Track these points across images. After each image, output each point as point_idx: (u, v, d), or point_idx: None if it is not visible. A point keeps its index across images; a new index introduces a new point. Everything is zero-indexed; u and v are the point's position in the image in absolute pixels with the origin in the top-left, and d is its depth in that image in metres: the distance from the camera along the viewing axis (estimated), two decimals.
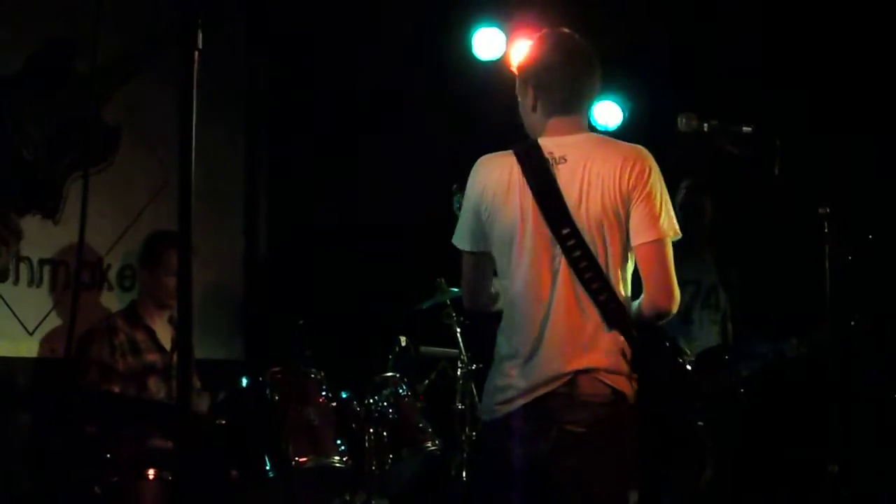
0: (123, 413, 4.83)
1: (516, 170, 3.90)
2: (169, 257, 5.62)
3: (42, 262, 6.16)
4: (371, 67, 7.23)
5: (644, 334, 3.87)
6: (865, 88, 6.53)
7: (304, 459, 4.76)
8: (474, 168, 4.04)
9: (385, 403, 5.13)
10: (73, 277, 6.11)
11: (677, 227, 3.87)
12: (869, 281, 5.66)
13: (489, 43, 7.03)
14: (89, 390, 5.36)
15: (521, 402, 3.85)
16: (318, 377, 5.08)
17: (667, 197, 3.87)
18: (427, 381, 5.82)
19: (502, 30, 7.01)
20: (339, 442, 4.92)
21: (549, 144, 3.92)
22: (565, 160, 3.87)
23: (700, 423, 4.10)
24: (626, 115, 7.10)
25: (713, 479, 6.09)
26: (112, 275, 6.48)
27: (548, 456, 3.80)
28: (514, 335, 3.96)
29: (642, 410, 3.85)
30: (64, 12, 6.18)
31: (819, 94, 6.60)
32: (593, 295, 3.81)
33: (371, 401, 5.11)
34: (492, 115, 6.24)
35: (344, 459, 4.87)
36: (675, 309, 3.86)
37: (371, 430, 5.03)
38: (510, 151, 3.96)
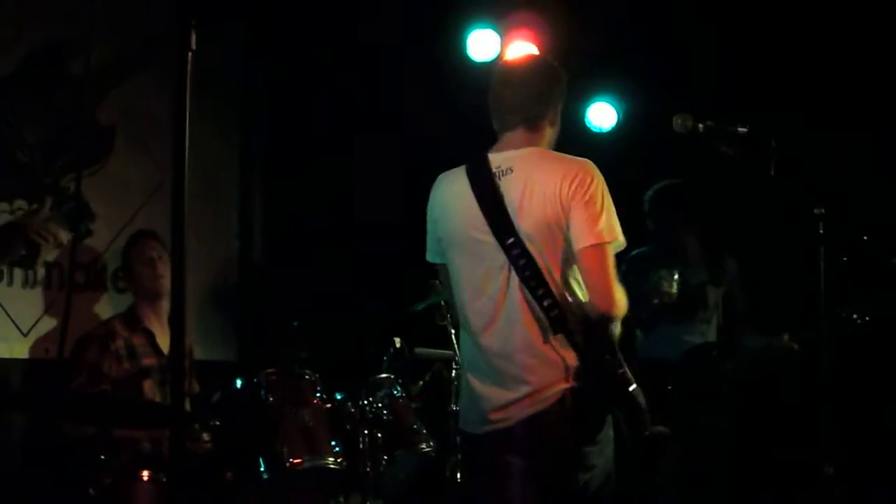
0: (117, 414, 4.81)
1: (465, 182, 4.13)
2: (140, 249, 5.69)
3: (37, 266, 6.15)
4: (366, 69, 7.23)
5: (589, 341, 3.99)
6: (860, 88, 6.54)
7: (298, 461, 4.75)
8: (434, 185, 4.30)
9: (379, 405, 5.12)
10: (66, 279, 6.11)
11: (620, 235, 4.01)
12: (864, 282, 5.67)
13: (484, 44, 7.04)
14: (81, 392, 5.36)
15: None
16: (313, 378, 5.07)
17: (609, 205, 4.00)
18: (421, 383, 5.82)
19: (497, 31, 7.01)
20: (333, 443, 4.91)
21: (498, 158, 4.12)
22: (511, 171, 4.06)
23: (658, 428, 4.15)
24: (621, 116, 7.11)
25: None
26: (107, 276, 6.47)
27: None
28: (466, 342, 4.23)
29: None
30: (59, 14, 6.17)
31: (814, 94, 6.61)
32: (538, 301, 3.96)
33: (365, 402, 5.10)
34: (487, 116, 6.22)
35: (338, 461, 4.87)
36: (616, 312, 3.99)
37: (365, 432, 5.02)
38: (464, 166, 4.18)
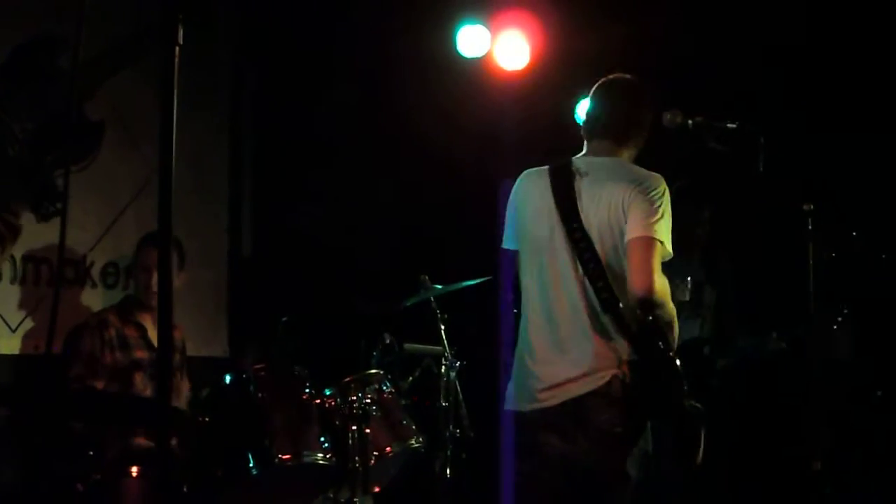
0: (106, 409, 4.80)
1: (547, 180, 4.46)
2: (144, 254, 5.68)
3: (25, 259, 6.13)
4: (356, 65, 7.23)
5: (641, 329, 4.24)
6: (849, 86, 6.54)
7: (287, 457, 4.74)
8: (518, 179, 4.62)
9: (369, 400, 5.11)
10: (55, 274, 6.10)
11: (670, 245, 4.26)
12: (852, 277, 5.68)
13: (474, 40, 7.03)
14: (73, 385, 5.36)
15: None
16: (302, 374, 5.06)
17: (668, 215, 4.26)
18: (411, 379, 5.83)
19: (487, 27, 7.01)
20: (322, 439, 4.90)
21: (579, 162, 4.47)
22: (588, 174, 4.39)
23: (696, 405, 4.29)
24: None
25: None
26: (95, 271, 6.46)
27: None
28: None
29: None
30: (47, 8, 6.15)
31: (803, 91, 6.61)
32: (597, 291, 4.27)
33: (355, 398, 5.10)
34: (477, 112, 6.24)
35: (328, 457, 4.86)
36: (653, 296, 4.18)
37: (355, 428, 5.01)
38: (548, 166, 4.52)
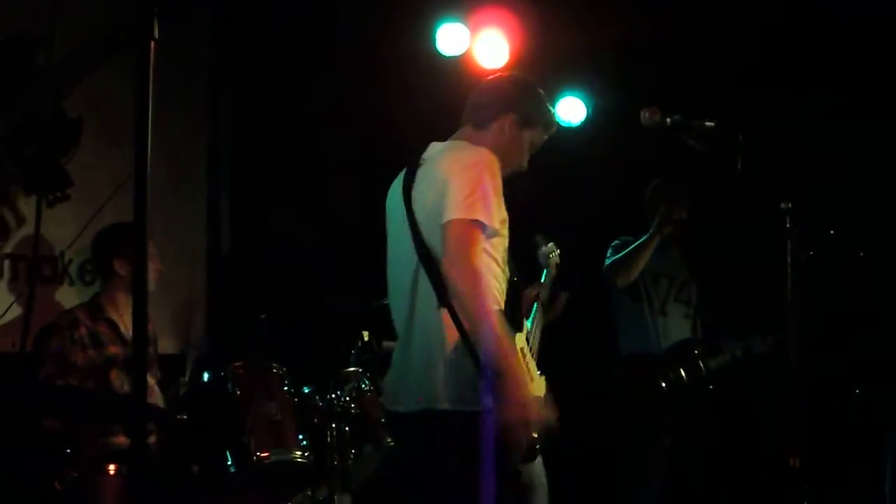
0: (82, 406, 4.79)
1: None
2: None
3: (2, 256, 6.11)
4: (335, 64, 7.22)
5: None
6: (826, 83, 6.57)
7: (265, 454, 4.74)
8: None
9: (347, 398, 5.11)
10: (29, 271, 6.07)
11: (490, 219, 3.91)
12: (830, 276, 5.70)
13: (453, 39, 7.04)
14: (46, 384, 5.32)
15: None
16: (280, 372, 5.06)
17: (487, 190, 3.92)
18: None
19: (466, 26, 7.01)
20: (300, 437, 4.91)
21: (427, 151, 4.25)
22: (425, 162, 4.17)
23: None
24: (590, 110, 7.12)
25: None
26: (73, 269, 6.44)
27: None
28: None
29: None
30: (24, 6, 6.14)
31: (781, 89, 6.63)
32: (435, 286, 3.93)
33: (333, 396, 5.10)
34: (456, 111, 6.21)
35: (306, 454, 4.86)
36: (460, 283, 3.81)
37: (333, 426, 5.02)
38: None
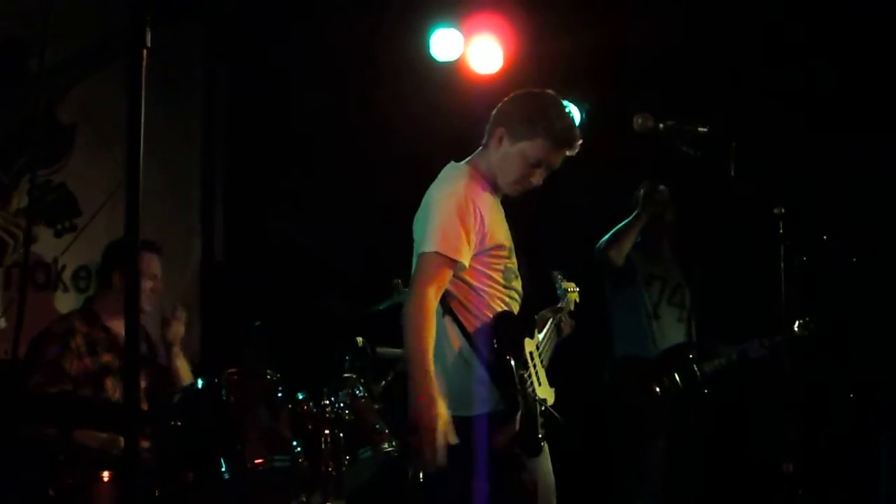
0: (75, 413, 4.78)
1: None
2: (147, 262, 5.55)
3: None
4: (329, 69, 7.22)
5: None
6: (820, 90, 6.58)
7: (260, 461, 4.73)
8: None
9: (342, 404, 5.10)
10: (20, 279, 6.06)
11: (453, 252, 4.07)
12: (823, 281, 5.71)
13: (447, 44, 7.04)
14: (35, 392, 5.29)
15: None
16: (275, 378, 5.04)
17: (446, 219, 4.10)
18: (384, 382, 5.81)
19: (460, 31, 7.02)
20: (295, 443, 4.89)
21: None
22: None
23: None
24: (584, 116, 7.12)
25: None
26: (66, 276, 6.43)
27: None
28: None
29: None
30: (17, 12, 6.13)
31: (774, 95, 6.64)
32: None
33: (327, 402, 5.08)
34: (450, 116, 6.24)
35: (300, 461, 4.85)
36: (405, 314, 4.04)
37: (327, 432, 5.00)
38: None
